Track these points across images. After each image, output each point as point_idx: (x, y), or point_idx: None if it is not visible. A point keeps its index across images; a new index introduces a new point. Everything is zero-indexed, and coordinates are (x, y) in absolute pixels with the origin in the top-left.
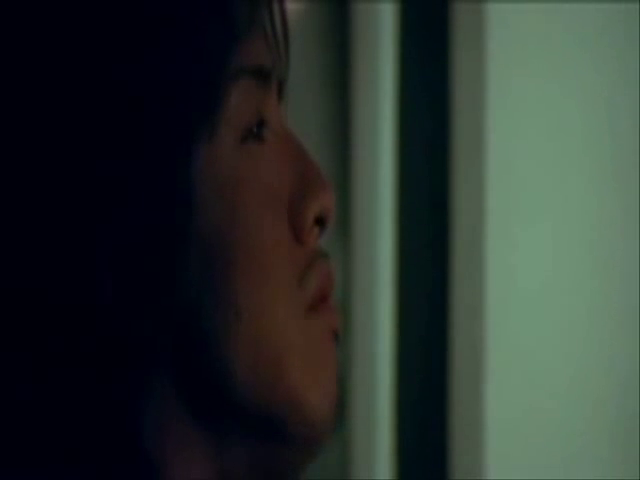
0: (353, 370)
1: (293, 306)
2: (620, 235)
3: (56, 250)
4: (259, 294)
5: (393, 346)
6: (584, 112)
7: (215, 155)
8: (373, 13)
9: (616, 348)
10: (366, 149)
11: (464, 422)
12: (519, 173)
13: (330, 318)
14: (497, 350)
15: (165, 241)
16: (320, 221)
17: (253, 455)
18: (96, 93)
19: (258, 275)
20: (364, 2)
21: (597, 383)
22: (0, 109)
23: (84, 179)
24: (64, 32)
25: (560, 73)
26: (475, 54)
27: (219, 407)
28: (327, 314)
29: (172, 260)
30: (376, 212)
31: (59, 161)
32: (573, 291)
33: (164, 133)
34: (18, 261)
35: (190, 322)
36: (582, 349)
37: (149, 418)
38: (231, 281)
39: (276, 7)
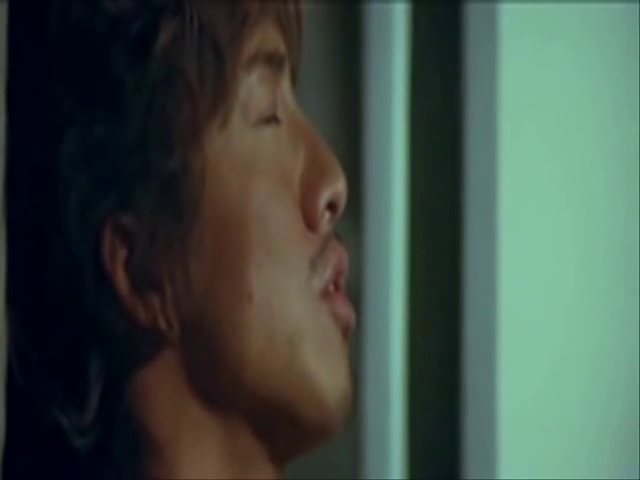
0: (365, 355)
1: (305, 290)
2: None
3: (71, 236)
4: (271, 277)
5: (405, 331)
6: (599, 110)
7: (228, 140)
8: (386, 13)
9: (633, 341)
10: (378, 138)
11: (477, 415)
12: (532, 169)
13: (342, 312)
14: (510, 340)
15: (176, 225)
16: (332, 206)
17: (263, 438)
18: (112, 83)
19: (270, 258)
20: (377, 2)
21: (613, 378)
22: None
23: (100, 165)
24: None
25: (574, 73)
26: (488, 53)
27: (231, 390)
28: (341, 307)
29: (184, 242)
30: (389, 197)
31: (78, 150)
32: (589, 281)
33: (176, 118)
34: (41, 249)
35: (202, 305)
36: (597, 342)
37: (159, 400)
38: (243, 264)
39: None
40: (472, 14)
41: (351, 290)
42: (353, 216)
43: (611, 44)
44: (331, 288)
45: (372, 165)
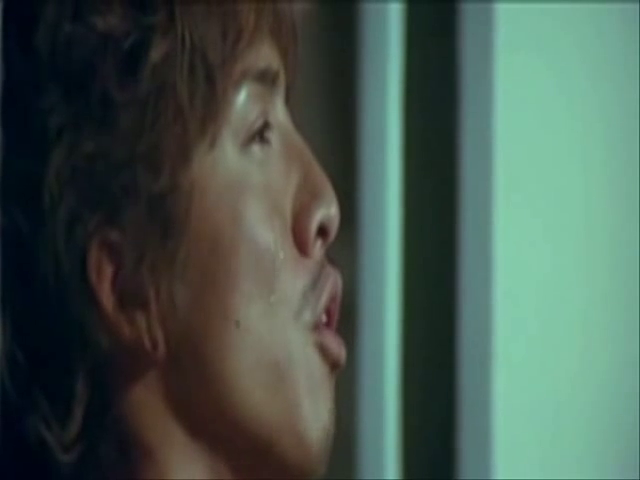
0: (360, 374)
1: (295, 321)
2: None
3: (58, 250)
4: (259, 306)
5: (400, 344)
6: (600, 107)
7: (217, 160)
8: (381, 14)
9: (629, 342)
10: (373, 149)
11: (473, 428)
12: (528, 174)
13: (332, 347)
14: (506, 348)
15: (163, 244)
16: (324, 231)
17: (245, 468)
18: (101, 100)
19: (259, 287)
20: (372, 2)
21: (611, 380)
22: None
23: (87, 182)
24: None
25: (573, 69)
26: (484, 54)
27: (213, 414)
28: (330, 342)
29: (170, 262)
30: (383, 213)
31: (66, 172)
32: (584, 282)
33: (165, 137)
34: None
35: (188, 326)
36: (596, 343)
37: (143, 420)
38: (231, 290)
39: (284, 8)
40: (468, 14)
41: (345, 310)
42: (347, 236)
43: (613, 37)
44: (323, 318)
45: (366, 174)
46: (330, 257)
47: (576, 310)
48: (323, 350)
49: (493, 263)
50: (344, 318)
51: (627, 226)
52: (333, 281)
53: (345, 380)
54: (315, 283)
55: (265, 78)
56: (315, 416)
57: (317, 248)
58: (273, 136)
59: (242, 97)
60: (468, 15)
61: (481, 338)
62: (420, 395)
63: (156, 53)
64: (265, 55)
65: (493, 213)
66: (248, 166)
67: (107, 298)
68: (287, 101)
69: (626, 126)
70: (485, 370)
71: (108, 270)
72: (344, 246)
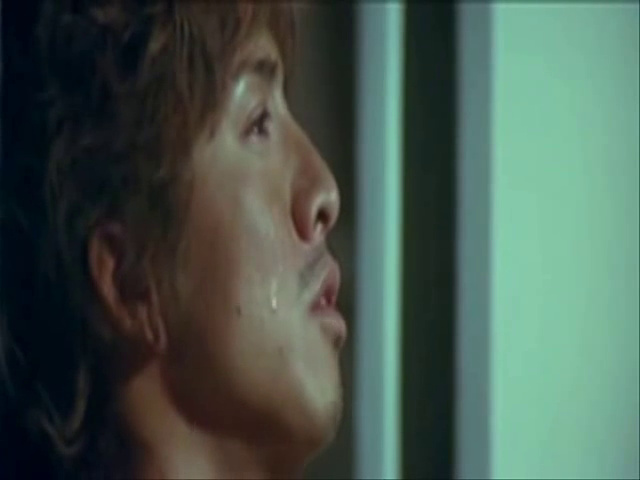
0: (358, 367)
1: (295, 303)
2: (630, 228)
3: (59, 243)
4: (260, 291)
5: (399, 339)
6: (599, 103)
7: (217, 150)
8: (380, 13)
9: (629, 342)
10: (372, 145)
11: (471, 421)
12: (527, 172)
13: (332, 323)
14: (504, 336)
15: (164, 235)
16: (324, 216)
17: (252, 448)
18: (101, 91)
19: (260, 273)
20: (371, 1)
21: (611, 378)
22: None
23: (88, 174)
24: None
25: (571, 66)
26: (482, 54)
27: (218, 401)
28: (330, 319)
29: (171, 253)
30: (382, 204)
31: (73, 165)
32: (584, 281)
33: (165, 128)
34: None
35: (190, 316)
36: (596, 341)
37: (146, 411)
38: (232, 277)
39: (282, 1)
40: (466, 14)
41: (344, 301)
42: (346, 226)
43: (613, 37)
44: (322, 302)
45: (365, 168)
46: (330, 249)
47: (575, 307)
48: (324, 329)
49: (492, 252)
50: (343, 309)
51: (627, 226)
52: (331, 270)
53: (344, 371)
54: (313, 265)
55: (264, 69)
56: (320, 392)
57: (317, 233)
58: (272, 126)
59: (241, 87)
60: (467, 14)
61: (480, 327)
62: (419, 387)
63: (155, 44)
64: (263, 46)
65: (492, 205)
66: (247, 155)
67: (108, 290)
68: (285, 92)
69: (626, 126)
70: (485, 363)
71: (109, 262)
72: (343, 237)
